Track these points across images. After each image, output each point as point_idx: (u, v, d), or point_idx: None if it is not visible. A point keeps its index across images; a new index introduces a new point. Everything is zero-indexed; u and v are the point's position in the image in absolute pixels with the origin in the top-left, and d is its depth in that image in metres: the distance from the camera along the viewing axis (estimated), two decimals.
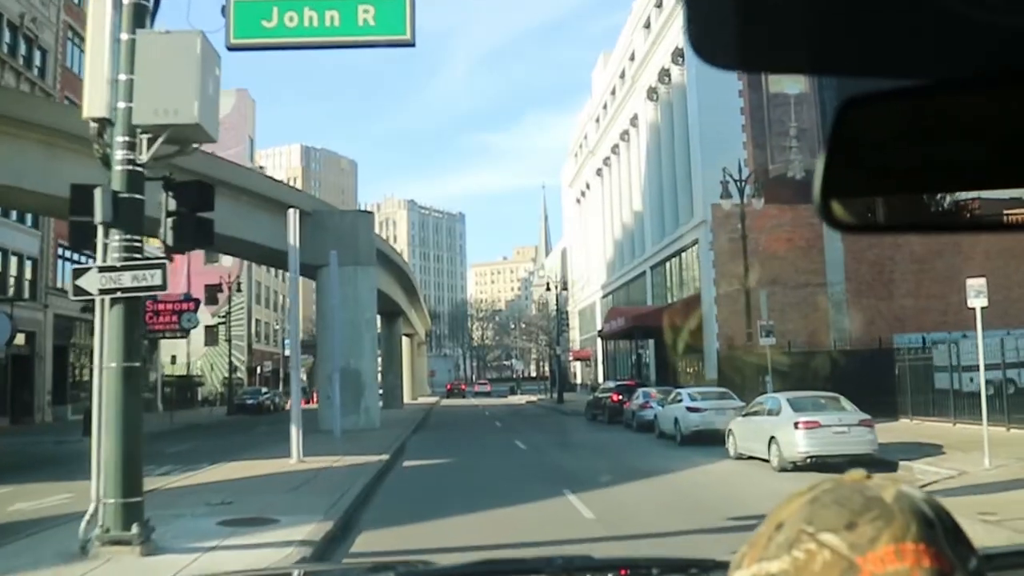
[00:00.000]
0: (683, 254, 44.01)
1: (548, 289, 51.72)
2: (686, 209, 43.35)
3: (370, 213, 29.34)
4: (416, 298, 57.59)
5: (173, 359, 56.29)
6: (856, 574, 0.75)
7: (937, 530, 0.78)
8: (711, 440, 21.27)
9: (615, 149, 58.91)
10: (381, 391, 55.81)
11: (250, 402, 50.38)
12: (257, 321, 75.99)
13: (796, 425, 15.73)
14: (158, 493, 12.95)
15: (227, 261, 73.56)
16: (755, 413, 17.92)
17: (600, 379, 66.16)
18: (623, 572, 2.22)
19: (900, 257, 41.19)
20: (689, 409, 22.38)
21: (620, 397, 31.40)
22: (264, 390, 54.48)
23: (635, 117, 52.81)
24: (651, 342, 42.44)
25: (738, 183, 27.90)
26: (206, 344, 72.27)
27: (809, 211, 40.85)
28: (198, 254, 73.70)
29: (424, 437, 26.54)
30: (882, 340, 36.86)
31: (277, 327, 76.22)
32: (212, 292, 74.61)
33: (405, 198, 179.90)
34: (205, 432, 33.34)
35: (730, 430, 18.74)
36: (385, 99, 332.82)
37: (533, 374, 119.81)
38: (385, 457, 18.13)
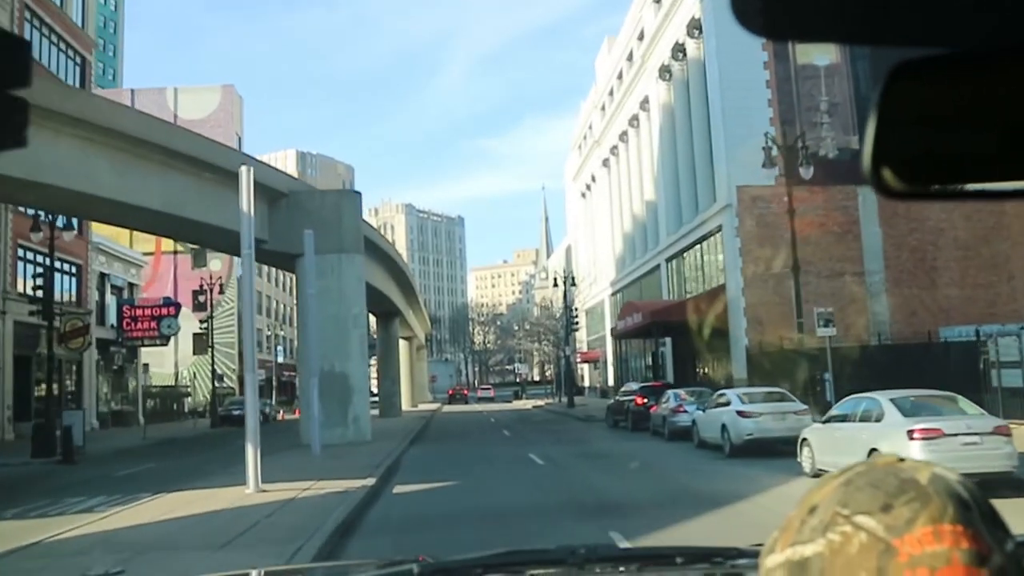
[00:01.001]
0: (704, 243, 40.10)
1: (555, 285, 47.68)
2: (707, 194, 39.45)
3: (357, 193, 25.40)
4: (414, 298, 53.55)
5: (145, 367, 52.09)
6: (893, 556, 0.74)
7: (974, 512, 0.77)
8: (767, 451, 17.45)
9: (623, 136, 55.00)
10: (376, 398, 51.69)
11: (237, 413, 46.24)
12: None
13: (910, 435, 11.79)
14: (37, 548, 9.04)
15: (216, 264, 69.72)
16: (842, 418, 14.00)
17: (610, 381, 62.18)
18: (646, 560, 2.08)
19: (943, 243, 37.29)
20: (741, 414, 18.40)
21: (645, 400, 27.45)
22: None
23: (645, 100, 48.91)
24: (669, 340, 38.48)
25: (782, 148, 23.87)
26: (195, 352, 68.30)
27: (844, 193, 36.99)
28: (184, 259, 69.90)
29: (422, 451, 22.55)
30: (931, 334, 33.06)
31: (270, 333, 72.26)
32: (200, 297, 70.77)
33: (403, 202, 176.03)
34: (177, 448, 29.37)
35: (804, 440, 14.78)
36: (381, 106, 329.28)
37: (536, 378, 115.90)
38: (370, 481, 14.18)
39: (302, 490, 13.31)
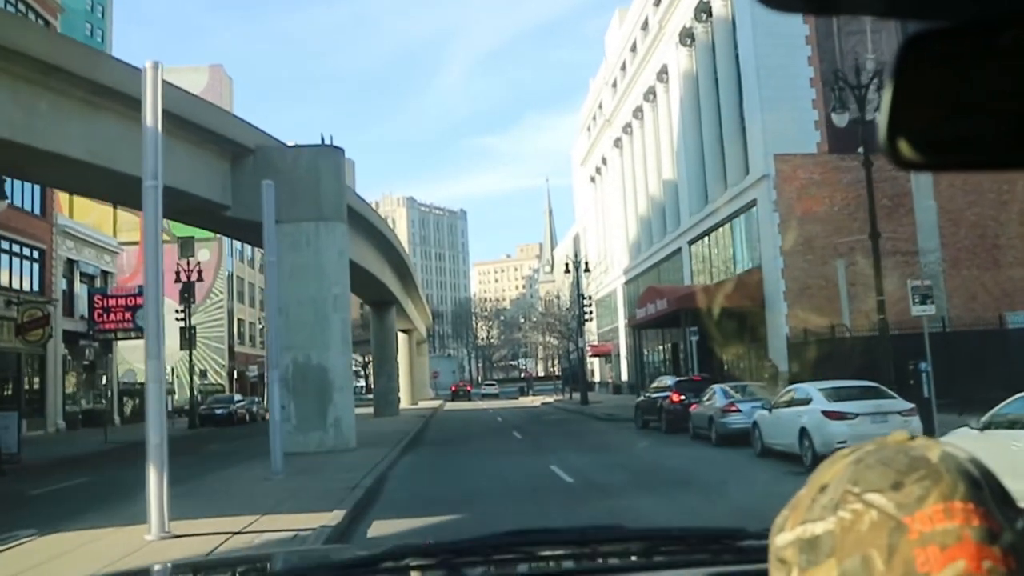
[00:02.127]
0: (735, 220, 35.70)
1: (567, 271, 43.23)
2: (737, 167, 35.01)
3: (338, 149, 20.95)
4: (413, 287, 48.99)
5: (109, 364, 47.58)
6: (904, 534, 0.74)
7: (985, 491, 0.76)
8: None
9: (637, 113, 50.53)
10: (371, 395, 47.10)
11: (220, 412, 42.08)
12: (240, 321, 67.69)
13: None
14: None
15: (204, 255, 65.35)
16: (1008, 423, 9.65)
17: (623, 376, 57.72)
18: (655, 541, 2.07)
19: (1006, 218, 32.82)
20: (829, 415, 13.99)
21: (683, 398, 23.06)
22: (238, 398, 45.94)
23: (663, 70, 44.44)
24: (697, 328, 34.06)
25: (856, 90, 19.44)
26: (182, 348, 64.04)
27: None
28: (171, 248, 65.45)
29: (416, 463, 18.05)
30: (1002, 318, 28.75)
31: (262, 326, 67.96)
32: (187, 289, 66.43)
33: (405, 195, 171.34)
34: (134, 455, 24.99)
35: None
36: (382, 104, 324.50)
37: (541, 374, 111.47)
38: (336, 518, 9.79)
39: (229, 535, 8.94)
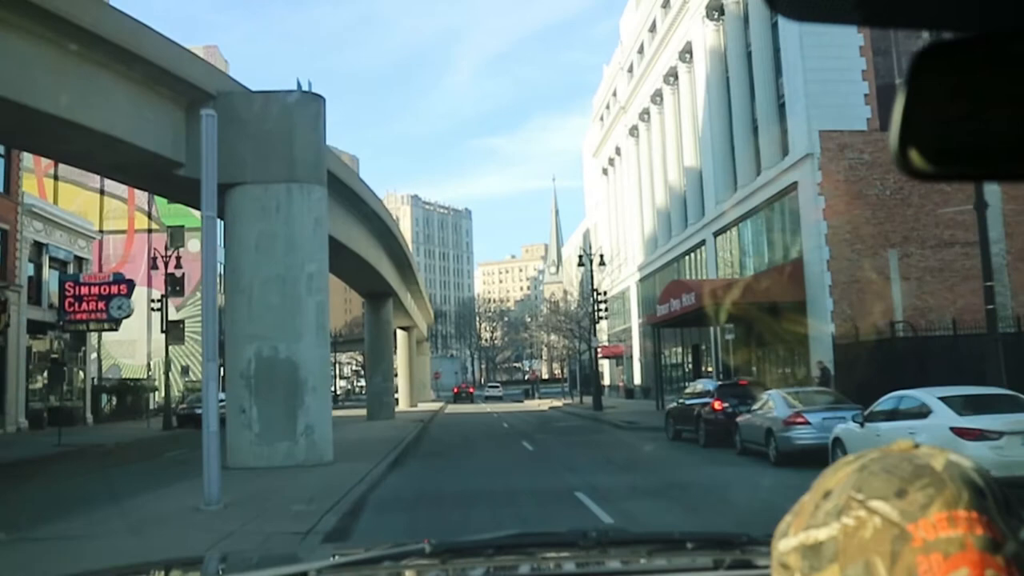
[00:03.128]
0: (770, 208, 31.93)
1: (580, 265, 39.44)
2: (773, 148, 31.22)
3: (316, 97, 17.10)
4: (413, 280, 45.05)
5: (81, 357, 43.54)
6: (907, 541, 0.73)
7: (988, 500, 0.76)
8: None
9: (656, 98, 46.77)
10: (364, 396, 43.04)
11: (200, 411, 38.26)
12: None
13: None
14: None
15: (195, 245, 61.65)
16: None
17: (636, 379, 53.87)
18: (658, 545, 2.00)
19: None
20: (961, 433, 10.20)
21: (726, 405, 19.28)
22: (221, 396, 41.98)
23: (687, 49, 40.68)
24: (725, 327, 30.23)
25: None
26: (169, 343, 60.39)
27: None
28: (159, 238, 61.81)
29: (403, 485, 14.08)
30: None
31: None
32: (177, 281, 62.78)
33: (409, 193, 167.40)
34: (83, 461, 21.30)
35: None
36: (388, 104, 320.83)
37: (545, 376, 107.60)
38: None
39: None
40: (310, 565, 1.97)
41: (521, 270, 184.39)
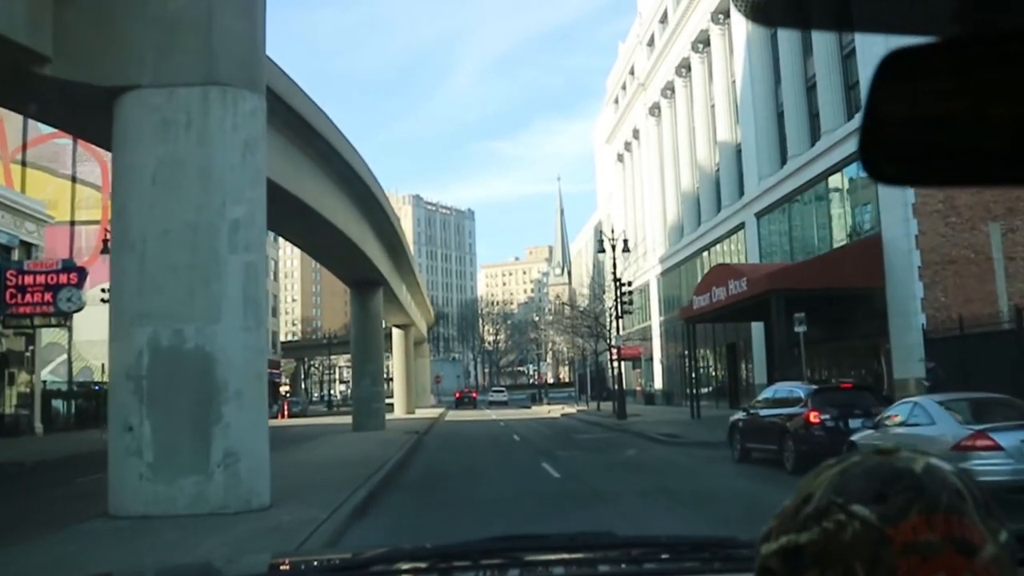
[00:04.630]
0: (829, 179, 26.54)
1: (601, 251, 34.02)
2: (835, 109, 25.77)
3: None
4: (407, 266, 39.22)
5: (30, 358, 38.03)
6: (887, 544, 0.74)
7: (968, 502, 0.76)
8: None
9: (682, 70, 41.38)
10: (349, 402, 37.32)
11: None
12: None
13: None
14: None
15: None
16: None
17: (656, 383, 48.36)
18: (645, 549, 1.97)
19: None
20: None
21: (824, 418, 13.84)
22: None
23: (720, 8, 35.33)
24: (797, 316, 24.67)
25: None
26: None
27: None
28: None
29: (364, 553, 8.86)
30: None
31: None
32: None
33: (410, 193, 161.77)
34: None
35: None
36: (390, 108, 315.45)
37: (550, 380, 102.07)
38: None
39: None
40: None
41: (525, 272, 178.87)
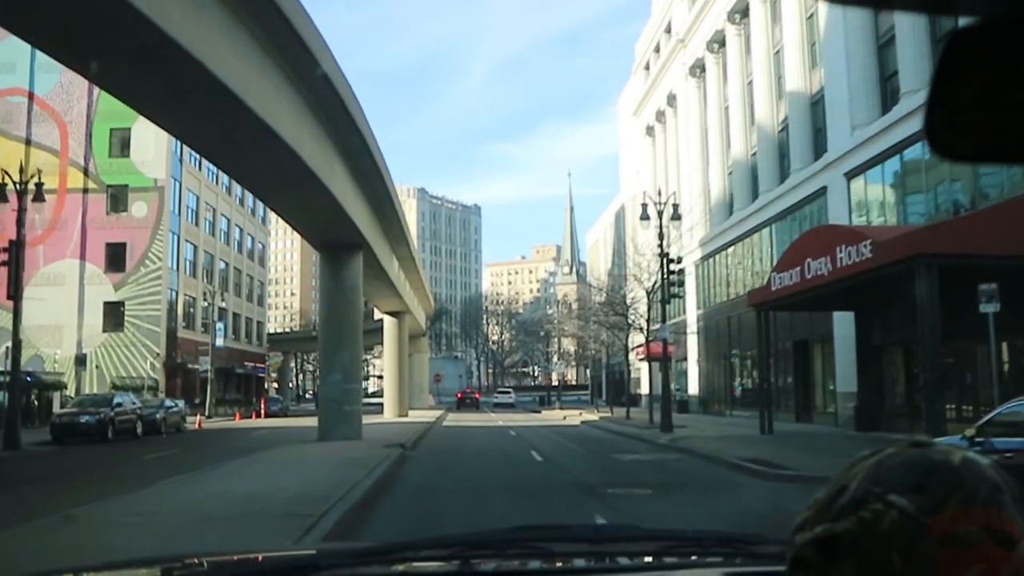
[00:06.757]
0: None
1: (644, 218, 26.70)
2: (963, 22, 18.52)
3: None
4: (399, 232, 31.38)
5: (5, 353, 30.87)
6: (925, 535, 0.73)
7: (1006, 496, 0.75)
8: None
9: (735, 15, 34.18)
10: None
11: (84, 421, 25.61)
12: (191, 299, 51.36)
13: None
14: None
15: (140, 209, 49.15)
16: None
17: (691, 388, 40.98)
18: (668, 542, 1.93)
19: None
20: None
21: None
22: (122, 398, 28.66)
23: None
24: (985, 288, 17.28)
25: None
26: (106, 328, 47.77)
27: None
28: (97, 200, 49.28)
29: None
30: None
31: (206, 303, 51.68)
32: (117, 254, 50.01)
33: (415, 186, 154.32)
34: None
35: None
36: (399, 107, 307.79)
37: (555, 383, 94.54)
38: None
39: None
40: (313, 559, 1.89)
41: (531, 271, 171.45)
